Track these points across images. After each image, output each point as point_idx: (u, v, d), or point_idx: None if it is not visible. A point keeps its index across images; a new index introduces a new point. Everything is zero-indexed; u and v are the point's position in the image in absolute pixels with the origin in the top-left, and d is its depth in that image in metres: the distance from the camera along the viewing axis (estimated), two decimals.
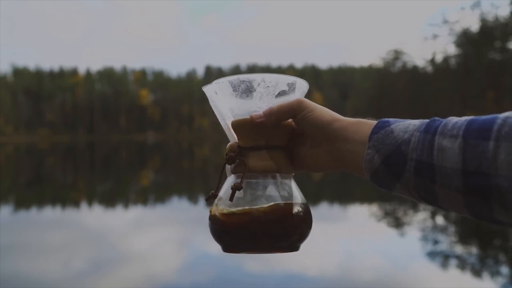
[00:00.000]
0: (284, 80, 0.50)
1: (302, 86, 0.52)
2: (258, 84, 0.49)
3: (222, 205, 0.49)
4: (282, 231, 0.47)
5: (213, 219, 0.50)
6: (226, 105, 0.51)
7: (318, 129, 0.49)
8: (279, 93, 0.50)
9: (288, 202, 0.49)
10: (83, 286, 3.16)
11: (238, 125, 0.51)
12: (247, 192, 0.49)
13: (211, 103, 0.53)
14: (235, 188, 0.47)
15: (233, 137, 0.53)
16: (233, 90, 0.50)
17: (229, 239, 0.49)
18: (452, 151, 0.39)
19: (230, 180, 0.51)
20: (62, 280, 3.28)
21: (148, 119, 73.96)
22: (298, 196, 0.50)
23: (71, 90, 72.79)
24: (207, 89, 0.52)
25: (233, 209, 0.48)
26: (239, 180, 0.49)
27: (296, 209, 0.49)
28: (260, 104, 0.50)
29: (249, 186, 0.49)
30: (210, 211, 0.51)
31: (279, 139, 0.51)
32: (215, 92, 0.52)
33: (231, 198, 0.48)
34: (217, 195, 0.51)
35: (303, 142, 0.53)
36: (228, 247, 0.49)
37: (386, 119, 0.47)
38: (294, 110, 0.49)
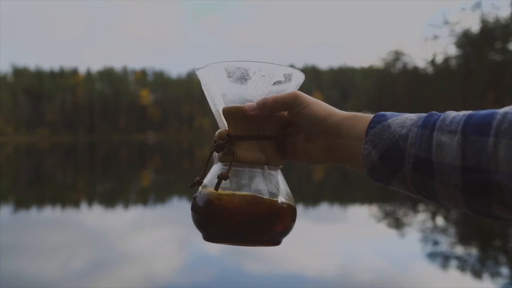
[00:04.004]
0: (280, 70, 0.49)
1: (298, 77, 0.51)
2: (254, 73, 0.48)
3: (208, 191, 0.48)
4: (265, 224, 0.46)
5: (195, 206, 0.49)
6: (219, 90, 0.50)
7: (313, 125, 0.48)
8: (274, 83, 0.49)
9: (273, 194, 0.48)
10: (83, 286, 3.16)
11: (229, 113, 0.49)
12: (233, 181, 0.48)
13: (203, 87, 0.51)
14: (221, 177, 0.46)
15: (223, 123, 0.51)
16: (228, 76, 0.48)
17: (210, 228, 0.48)
18: (451, 147, 0.38)
19: (217, 168, 0.50)
20: (62, 280, 3.27)
21: (148, 119, 73.97)
22: (284, 189, 0.49)
23: (71, 90, 72.79)
24: (201, 72, 0.50)
25: (218, 192, 0.46)
26: (226, 169, 0.47)
27: (281, 202, 0.48)
28: (254, 93, 0.49)
29: (235, 175, 0.48)
30: (194, 197, 0.49)
31: (271, 129, 0.50)
32: (209, 76, 0.50)
33: (216, 188, 0.46)
34: (202, 182, 0.50)
35: (296, 131, 0.52)
36: (209, 237, 0.48)
37: (383, 112, 0.46)
38: (289, 104, 0.48)
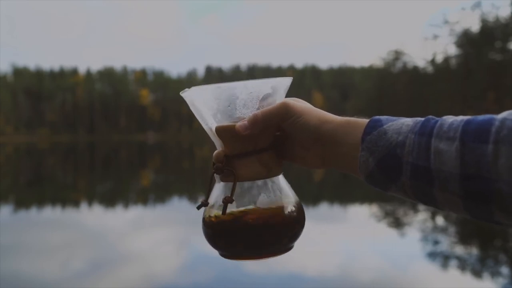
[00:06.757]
0: (266, 83, 0.48)
1: (286, 83, 0.50)
2: (241, 92, 0.47)
3: (215, 211, 0.48)
4: (276, 235, 0.46)
5: (206, 228, 0.49)
6: (208, 111, 0.49)
7: (307, 134, 0.47)
8: (263, 96, 0.48)
9: (279, 203, 0.48)
10: (83, 286, 3.16)
11: (223, 132, 0.49)
12: (237, 199, 0.48)
13: (191, 107, 0.50)
14: (226, 202, 0.46)
15: (218, 141, 0.50)
16: (215, 98, 0.47)
17: (224, 247, 0.48)
18: (450, 154, 0.38)
19: (220, 187, 0.49)
20: (62, 280, 3.28)
21: (148, 119, 73.91)
22: (289, 195, 0.49)
23: (71, 90, 72.70)
24: (186, 95, 0.49)
25: (222, 216, 0.47)
26: (229, 189, 0.47)
27: (289, 209, 0.48)
28: (244, 111, 0.48)
29: (238, 192, 0.48)
30: (204, 218, 0.50)
31: (266, 139, 0.50)
32: (196, 98, 0.49)
33: (223, 212, 0.46)
34: (208, 203, 0.49)
35: (291, 136, 0.51)
36: (225, 254, 0.49)
37: (378, 117, 0.45)
38: (280, 116, 0.47)
